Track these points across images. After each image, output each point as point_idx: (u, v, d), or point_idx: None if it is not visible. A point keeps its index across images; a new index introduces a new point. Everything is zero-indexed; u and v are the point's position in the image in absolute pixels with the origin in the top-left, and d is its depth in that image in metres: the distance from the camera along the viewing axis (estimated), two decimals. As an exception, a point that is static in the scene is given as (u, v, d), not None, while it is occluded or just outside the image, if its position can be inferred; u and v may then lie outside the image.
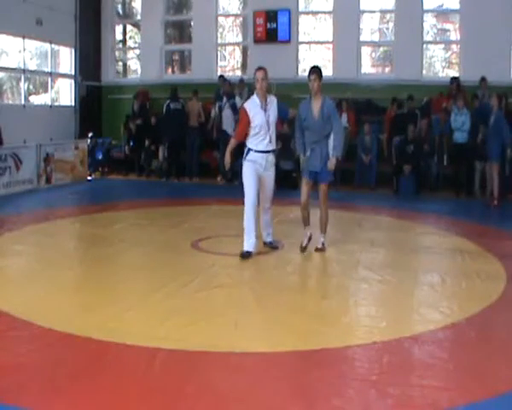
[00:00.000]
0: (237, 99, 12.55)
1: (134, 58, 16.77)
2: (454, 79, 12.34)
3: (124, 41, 16.85)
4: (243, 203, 6.45)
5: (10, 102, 13.51)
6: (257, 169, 6.53)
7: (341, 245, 7.26)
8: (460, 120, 11.27)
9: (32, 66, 13.57)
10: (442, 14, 14.36)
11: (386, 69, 14.65)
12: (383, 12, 14.42)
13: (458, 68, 13.34)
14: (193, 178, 13.10)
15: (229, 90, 12.81)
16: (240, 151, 12.22)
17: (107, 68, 15.57)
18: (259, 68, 6.55)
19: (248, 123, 6.46)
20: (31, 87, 14.07)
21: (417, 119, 12.08)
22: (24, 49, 12.78)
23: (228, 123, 12.41)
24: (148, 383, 3.42)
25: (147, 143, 13.60)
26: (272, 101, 6.57)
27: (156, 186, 12.62)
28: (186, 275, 5.67)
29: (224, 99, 12.58)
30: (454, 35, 14.09)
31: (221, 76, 13.66)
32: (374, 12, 14.38)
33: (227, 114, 12.50)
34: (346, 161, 12.25)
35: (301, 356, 3.89)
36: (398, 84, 12.92)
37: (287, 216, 9.06)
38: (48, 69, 13.77)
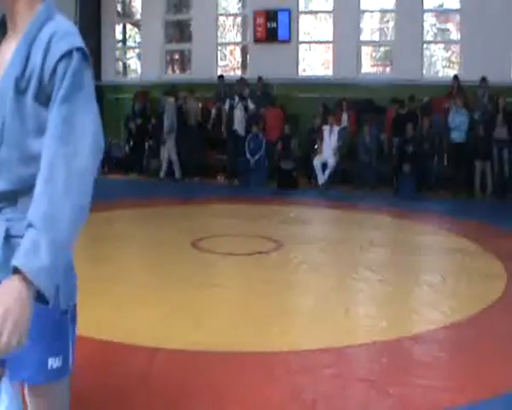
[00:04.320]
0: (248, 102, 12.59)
1: (134, 57, 16.77)
2: (456, 77, 12.33)
3: (124, 40, 16.84)
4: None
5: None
6: None
7: (341, 245, 7.25)
8: (458, 120, 11.27)
9: (32, 65, 13.57)
10: (442, 13, 14.36)
11: (387, 69, 14.65)
12: (383, 11, 14.42)
13: (458, 68, 13.33)
14: (193, 177, 13.08)
15: (242, 90, 12.76)
16: (242, 148, 12.34)
17: (107, 68, 15.55)
18: None
19: None
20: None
21: (418, 119, 12.09)
22: (24, 49, 12.77)
23: (239, 122, 12.43)
24: (147, 383, 3.42)
25: (147, 143, 13.62)
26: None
27: (156, 186, 12.61)
28: (186, 274, 5.67)
29: (237, 99, 12.55)
30: (454, 35, 14.09)
31: (221, 76, 13.67)
32: (374, 11, 14.38)
33: (239, 113, 12.49)
34: (347, 160, 12.29)
35: (301, 356, 3.89)
36: (398, 83, 12.90)
37: (287, 216, 9.06)
38: (48, 69, 13.77)
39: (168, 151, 12.92)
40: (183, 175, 13.01)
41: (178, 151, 13.08)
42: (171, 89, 13.22)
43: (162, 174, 12.97)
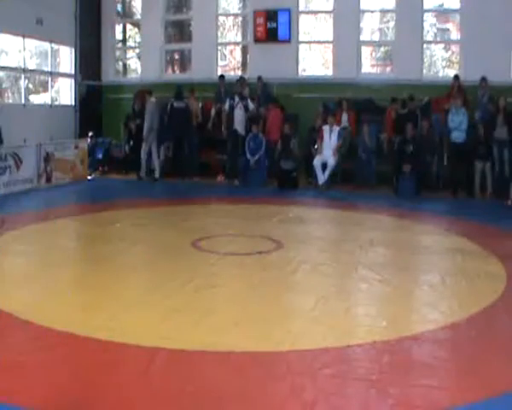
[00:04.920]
0: (249, 102, 12.57)
1: (134, 57, 16.77)
2: (456, 76, 12.32)
3: (124, 40, 16.84)
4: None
5: (10, 101, 13.50)
6: None
7: (341, 245, 7.25)
8: (457, 120, 11.28)
9: (32, 65, 13.56)
10: (442, 13, 14.36)
11: (387, 69, 14.65)
12: (383, 11, 14.43)
13: (458, 68, 13.33)
14: (193, 177, 13.08)
15: (242, 90, 12.73)
16: (242, 148, 12.32)
17: (107, 68, 15.55)
18: None
19: None
20: (31, 86, 14.05)
21: (417, 119, 12.09)
22: (24, 49, 12.76)
23: (239, 122, 12.42)
24: (148, 383, 3.42)
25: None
26: None
27: (156, 186, 12.61)
28: (186, 274, 5.67)
29: (237, 98, 12.53)
30: (454, 35, 14.09)
31: (222, 76, 13.67)
32: (374, 11, 14.39)
33: (239, 113, 12.47)
34: (347, 160, 12.29)
35: (301, 356, 3.89)
36: (398, 83, 12.91)
37: (287, 216, 9.06)
38: (48, 68, 13.76)
39: (148, 150, 13.00)
40: (184, 175, 12.99)
41: (182, 151, 13.07)
42: (177, 89, 13.18)
43: (157, 174, 12.96)
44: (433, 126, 12.02)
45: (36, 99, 14.20)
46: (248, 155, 12.22)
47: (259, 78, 13.35)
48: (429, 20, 13.99)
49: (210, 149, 13.51)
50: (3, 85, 13.40)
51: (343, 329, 4.40)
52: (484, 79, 11.87)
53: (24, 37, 12.56)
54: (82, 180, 12.73)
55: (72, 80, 14.41)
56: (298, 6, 14.03)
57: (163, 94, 13.79)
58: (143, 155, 13.02)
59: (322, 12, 14.72)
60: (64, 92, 14.60)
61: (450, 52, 14.51)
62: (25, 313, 4.47)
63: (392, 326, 4.44)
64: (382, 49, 15.03)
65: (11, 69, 12.98)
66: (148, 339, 4.03)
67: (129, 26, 16.83)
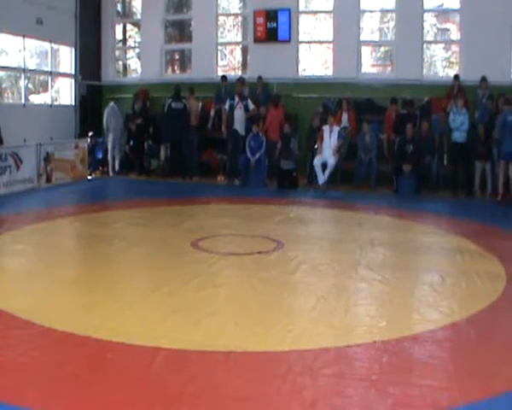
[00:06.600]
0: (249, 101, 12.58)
1: (134, 57, 16.77)
2: (457, 77, 12.32)
3: (124, 40, 16.84)
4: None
5: (10, 101, 13.50)
6: None
7: (341, 245, 7.25)
8: (459, 120, 11.29)
9: (32, 65, 13.56)
10: (442, 13, 14.37)
11: (387, 69, 14.65)
12: (383, 11, 14.43)
13: (458, 68, 13.33)
14: (193, 177, 13.08)
15: (241, 90, 12.74)
16: (243, 147, 12.34)
17: (107, 68, 15.56)
18: None
19: None
20: (31, 86, 14.05)
21: (417, 119, 12.09)
22: (24, 49, 12.77)
23: (239, 122, 12.41)
24: (147, 383, 3.42)
25: (146, 143, 13.67)
26: None
27: (156, 186, 12.61)
28: (186, 274, 5.67)
29: (237, 98, 12.52)
30: (454, 35, 14.10)
31: (223, 76, 13.66)
32: (374, 11, 14.39)
33: (239, 113, 12.46)
34: (347, 160, 12.29)
35: (301, 356, 3.89)
36: (398, 83, 12.92)
37: (287, 216, 9.06)
38: (48, 68, 13.76)
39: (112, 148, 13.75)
40: (184, 175, 13.00)
41: (180, 152, 13.08)
42: (175, 89, 13.17)
43: (111, 172, 13.79)
44: (433, 126, 12.02)
45: (36, 99, 14.20)
46: (249, 155, 12.21)
47: (259, 78, 13.35)
48: (429, 20, 13.99)
49: (210, 149, 13.52)
50: (3, 85, 13.41)
51: (343, 329, 4.40)
52: (484, 79, 11.88)
53: (24, 37, 12.56)
54: (82, 180, 12.73)
55: (72, 80, 14.41)
56: (298, 6, 14.03)
57: (162, 94, 13.83)
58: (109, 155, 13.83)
59: (322, 12, 14.72)
60: (64, 92, 14.60)
61: (450, 52, 14.51)
62: (25, 313, 4.48)
63: (392, 326, 4.44)
64: (382, 49, 15.04)
65: (11, 69, 12.98)
66: (148, 339, 4.03)
67: (129, 26, 16.83)
